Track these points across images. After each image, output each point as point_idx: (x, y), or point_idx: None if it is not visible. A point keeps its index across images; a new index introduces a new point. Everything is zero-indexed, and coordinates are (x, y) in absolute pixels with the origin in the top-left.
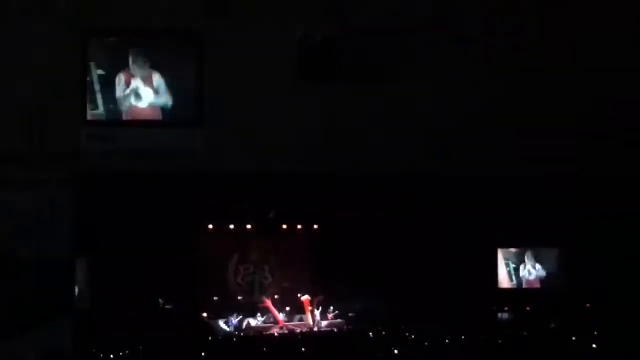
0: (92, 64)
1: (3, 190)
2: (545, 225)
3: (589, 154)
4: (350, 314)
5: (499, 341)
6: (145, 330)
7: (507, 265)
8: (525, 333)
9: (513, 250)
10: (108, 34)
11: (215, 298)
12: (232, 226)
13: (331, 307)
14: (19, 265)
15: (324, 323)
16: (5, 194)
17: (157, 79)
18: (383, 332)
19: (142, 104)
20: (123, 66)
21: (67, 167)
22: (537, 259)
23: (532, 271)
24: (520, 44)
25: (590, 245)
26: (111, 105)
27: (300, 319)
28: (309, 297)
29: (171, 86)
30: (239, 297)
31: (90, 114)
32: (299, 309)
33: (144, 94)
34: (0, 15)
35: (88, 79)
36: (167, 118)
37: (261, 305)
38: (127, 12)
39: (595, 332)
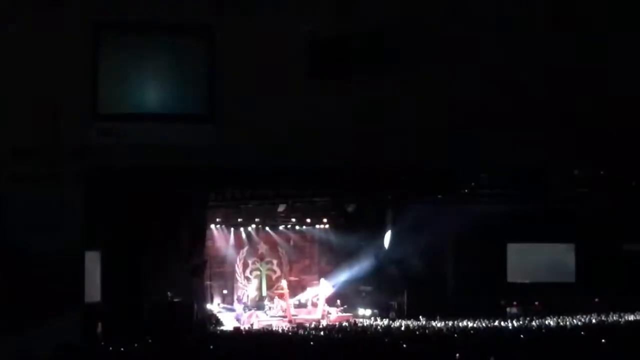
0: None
1: (14, 184)
2: (555, 220)
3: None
4: (358, 308)
5: (508, 335)
6: (154, 323)
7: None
8: (534, 327)
9: (523, 245)
10: (119, 28)
11: (224, 292)
12: (240, 220)
13: (339, 301)
14: (28, 259)
15: (332, 317)
16: (16, 188)
17: (168, 73)
18: (391, 326)
19: (153, 98)
20: (134, 61)
21: (78, 161)
22: (546, 253)
23: (541, 266)
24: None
25: (600, 240)
26: (122, 100)
27: (309, 313)
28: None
29: (182, 81)
30: (247, 291)
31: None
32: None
33: (155, 88)
34: (11, 10)
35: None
36: (178, 113)
37: (277, 293)
38: (138, 7)
39: (604, 327)
